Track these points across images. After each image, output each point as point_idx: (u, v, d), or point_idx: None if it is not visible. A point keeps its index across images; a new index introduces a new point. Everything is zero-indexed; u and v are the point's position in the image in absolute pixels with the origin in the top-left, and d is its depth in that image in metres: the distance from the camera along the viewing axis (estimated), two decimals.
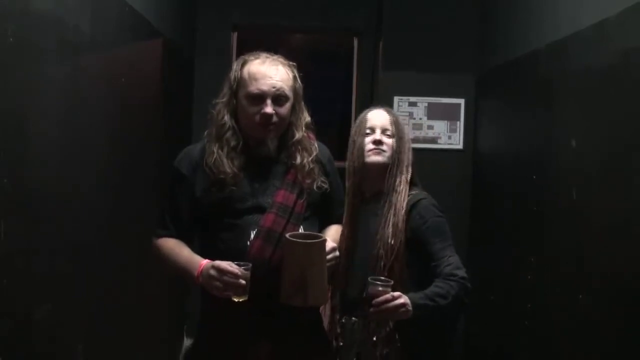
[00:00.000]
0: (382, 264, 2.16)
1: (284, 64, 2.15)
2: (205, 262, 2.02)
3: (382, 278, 2.02)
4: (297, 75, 2.18)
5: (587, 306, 2.62)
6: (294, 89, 2.16)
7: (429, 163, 4.24)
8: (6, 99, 1.71)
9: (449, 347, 2.33)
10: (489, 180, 4.15)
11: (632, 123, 2.35)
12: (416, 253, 2.16)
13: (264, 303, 2.05)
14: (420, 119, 4.49)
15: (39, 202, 1.94)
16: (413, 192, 2.28)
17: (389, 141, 2.26)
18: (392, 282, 2.01)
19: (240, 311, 2.02)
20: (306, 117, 2.21)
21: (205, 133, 2.20)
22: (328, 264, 2.04)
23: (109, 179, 2.63)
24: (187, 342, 4.52)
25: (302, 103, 2.20)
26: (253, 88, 2.08)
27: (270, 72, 2.09)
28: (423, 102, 4.49)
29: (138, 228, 2.81)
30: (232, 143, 2.11)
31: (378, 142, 2.25)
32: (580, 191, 2.73)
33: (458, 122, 4.49)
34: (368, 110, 2.36)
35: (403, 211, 2.20)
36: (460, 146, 4.49)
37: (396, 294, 1.95)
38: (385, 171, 2.26)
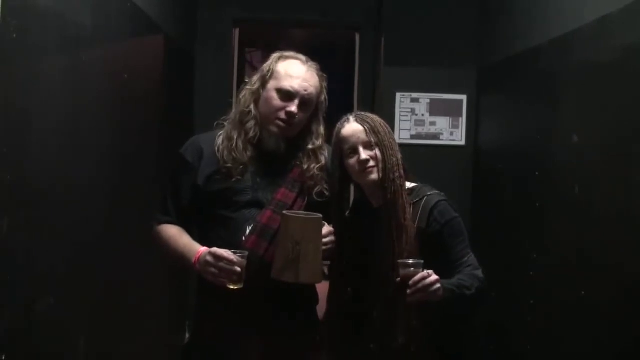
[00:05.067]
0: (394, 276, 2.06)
1: (318, 74, 2.18)
2: (202, 249, 2.04)
3: (412, 260, 1.97)
4: (325, 87, 2.21)
5: (589, 302, 2.62)
6: (320, 100, 2.19)
7: (431, 159, 4.25)
8: (9, 94, 1.70)
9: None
10: (491, 177, 4.14)
11: (635, 119, 2.35)
12: (430, 256, 2.06)
13: (258, 298, 2.05)
14: (423, 115, 4.49)
15: (42, 197, 1.94)
16: (423, 194, 2.17)
17: (374, 153, 2.12)
18: (422, 262, 1.97)
19: (235, 305, 2.02)
20: (322, 129, 2.24)
21: (223, 120, 2.21)
22: (324, 247, 2.01)
23: (111, 174, 2.63)
24: (188, 337, 4.52)
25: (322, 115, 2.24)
26: (287, 84, 2.10)
27: (307, 75, 2.14)
28: (425, 98, 4.48)
29: (139, 223, 2.81)
30: (251, 134, 2.12)
31: (365, 162, 2.11)
32: (583, 187, 2.73)
33: (460, 118, 4.48)
34: (340, 125, 2.18)
35: (414, 221, 2.10)
36: (462, 142, 4.49)
37: (430, 271, 1.93)
38: (384, 183, 2.13)
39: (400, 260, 1.98)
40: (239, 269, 1.94)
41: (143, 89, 3.19)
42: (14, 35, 1.70)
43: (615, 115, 2.52)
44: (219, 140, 2.14)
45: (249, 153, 2.11)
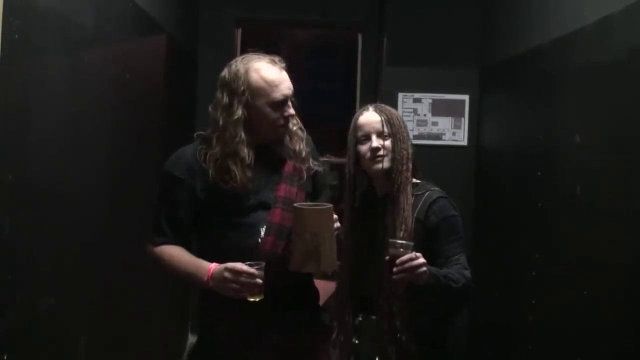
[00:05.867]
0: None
1: (284, 64, 2.14)
2: (213, 265, 2.00)
3: (402, 241, 2.04)
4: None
5: (591, 302, 2.61)
6: None
7: (433, 159, 4.23)
8: (11, 95, 1.71)
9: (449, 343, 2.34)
10: (493, 177, 4.14)
11: (636, 119, 2.35)
12: (423, 248, 2.11)
13: (274, 298, 2.03)
14: (425, 115, 4.49)
15: (44, 197, 1.94)
16: (426, 189, 2.25)
17: (386, 143, 2.21)
18: (412, 244, 2.03)
19: (242, 307, 2.00)
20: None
21: (201, 142, 2.13)
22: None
23: (113, 175, 2.64)
24: (191, 338, 4.53)
25: None
26: (277, 95, 2.06)
27: (283, 74, 2.10)
28: (427, 98, 4.48)
29: (141, 223, 2.82)
30: (247, 160, 2.06)
31: (376, 150, 2.20)
32: (584, 187, 2.73)
33: (462, 119, 4.48)
34: (359, 113, 2.29)
35: (414, 212, 2.18)
36: (464, 142, 4.49)
37: (418, 254, 1.98)
38: (391, 173, 2.23)
39: (390, 240, 2.05)
40: (260, 281, 1.94)
41: (145, 89, 3.20)
42: (16, 36, 1.70)
43: (616, 116, 2.51)
44: (205, 160, 2.07)
45: (249, 174, 2.06)
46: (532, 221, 3.32)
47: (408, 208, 2.17)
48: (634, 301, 2.31)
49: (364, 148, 2.23)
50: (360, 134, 2.24)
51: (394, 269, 1.97)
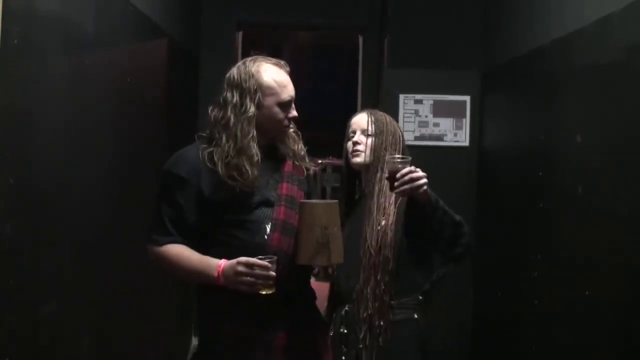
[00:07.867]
0: (373, 262, 2.25)
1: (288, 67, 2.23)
2: (223, 261, 2.02)
3: (400, 156, 2.12)
4: None
5: (593, 302, 2.61)
6: None
7: (435, 161, 4.24)
8: (12, 99, 1.72)
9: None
10: (495, 177, 4.14)
11: (638, 119, 2.35)
12: (412, 226, 2.18)
13: (282, 293, 2.04)
14: (426, 116, 4.48)
15: (45, 200, 1.95)
16: None
17: (368, 141, 2.33)
18: (410, 159, 2.09)
19: (242, 308, 2.04)
20: None
21: (211, 140, 2.14)
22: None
23: (114, 178, 2.65)
24: (195, 340, 4.53)
25: None
26: (286, 95, 2.13)
27: (288, 77, 2.17)
28: (429, 99, 4.48)
29: (143, 226, 2.82)
30: (255, 157, 2.08)
31: (355, 144, 2.34)
32: (586, 187, 2.73)
33: (464, 119, 4.48)
34: (353, 114, 2.45)
35: (392, 206, 2.26)
36: (466, 143, 4.48)
37: (418, 169, 2.04)
38: (369, 169, 2.34)
39: (388, 157, 2.16)
40: (273, 273, 1.97)
41: (147, 91, 3.21)
42: (15, 41, 1.71)
43: (617, 115, 2.51)
44: (210, 160, 2.08)
45: (255, 172, 2.09)
46: (533, 221, 3.32)
47: (385, 201, 2.27)
48: (635, 301, 2.30)
49: (348, 143, 2.39)
50: (349, 131, 2.40)
51: (395, 183, 2.03)
